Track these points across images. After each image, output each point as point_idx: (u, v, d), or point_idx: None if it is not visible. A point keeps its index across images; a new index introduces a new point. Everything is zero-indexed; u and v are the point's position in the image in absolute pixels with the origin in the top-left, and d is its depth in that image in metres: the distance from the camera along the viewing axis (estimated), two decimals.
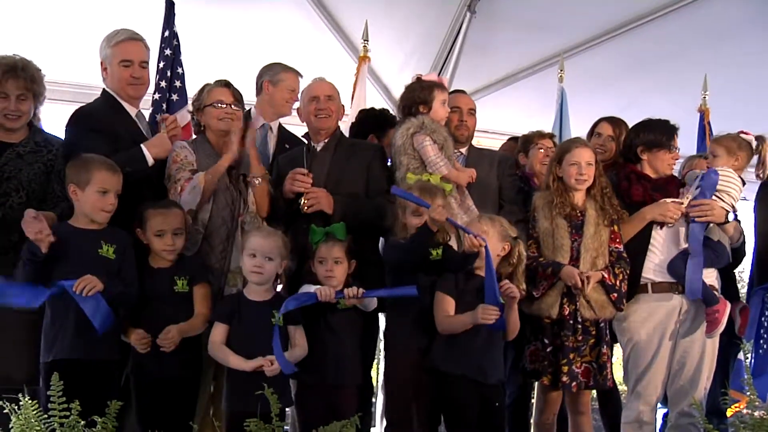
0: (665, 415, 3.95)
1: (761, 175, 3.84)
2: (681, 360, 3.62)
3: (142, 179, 3.36)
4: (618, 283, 3.54)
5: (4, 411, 2.45)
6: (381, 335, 3.65)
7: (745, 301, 3.97)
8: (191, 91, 4.22)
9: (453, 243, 3.39)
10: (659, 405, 3.75)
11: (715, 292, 3.62)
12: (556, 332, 3.54)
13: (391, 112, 4.43)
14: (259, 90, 4.21)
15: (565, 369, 3.48)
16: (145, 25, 4.11)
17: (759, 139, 3.79)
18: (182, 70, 4.76)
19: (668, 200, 3.65)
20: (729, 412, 3.84)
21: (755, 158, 3.83)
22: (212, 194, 3.43)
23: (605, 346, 3.57)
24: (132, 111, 3.59)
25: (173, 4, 4.80)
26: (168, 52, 4.73)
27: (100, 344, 2.97)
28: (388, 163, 3.80)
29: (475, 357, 3.18)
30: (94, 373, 2.97)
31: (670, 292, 3.63)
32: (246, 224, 3.48)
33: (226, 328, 3.12)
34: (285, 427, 2.78)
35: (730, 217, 3.66)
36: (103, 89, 3.60)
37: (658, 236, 3.67)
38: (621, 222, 3.64)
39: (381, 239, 3.62)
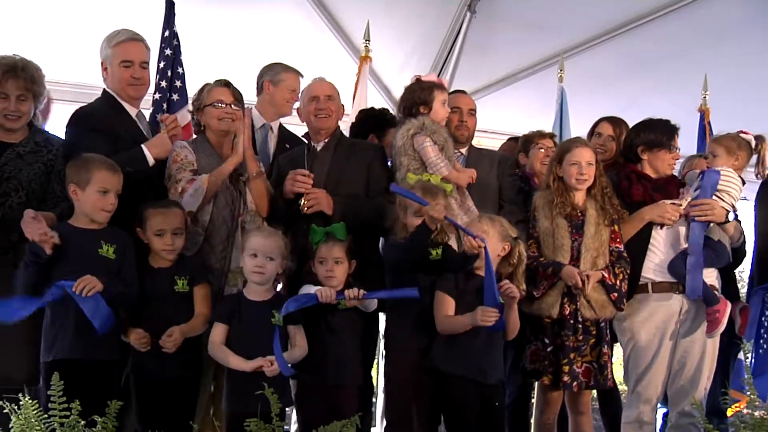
0: (665, 415, 3.95)
1: (760, 175, 3.84)
2: (681, 360, 3.62)
3: (143, 179, 3.36)
4: (618, 282, 3.54)
5: (5, 411, 2.45)
6: (381, 335, 3.64)
7: (745, 301, 3.97)
8: (191, 90, 4.22)
9: (453, 243, 3.39)
10: (659, 405, 3.75)
11: (716, 292, 3.62)
12: (557, 332, 3.54)
13: (391, 111, 4.43)
14: (260, 90, 4.21)
15: (566, 369, 3.48)
16: (146, 25, 4.12)
17: (758, 138, 3.80)
18: (182, 69, 4.76)
19: (667, 202, 3.65)
20: (729, 412, 3.84)
21: (754, 157, 3.83)
22: (213, 196, 3.43)
23: (606, 346, 3.57)
24: (132, 111, 3.59)
25: (173, 4, 4.80)
26: (168, 51, 4.73)
27: (100, 344, 2.97)
28: (389, 164, 3.80)
29: (475, 357, 3.18)
30: (94, 373, 2.96)
31: (671, 292, 3.63)
32: (246, 224, 3.48)
33: (226, 328, 3.12)
34: (285, 427, 2.78)
35: (731, 216, 3.66)
36: (104, 89, 3.60)
37: (658, 236, 3.67)
38: (621, 222, 3.64)
39: (381, 239, 3.62)
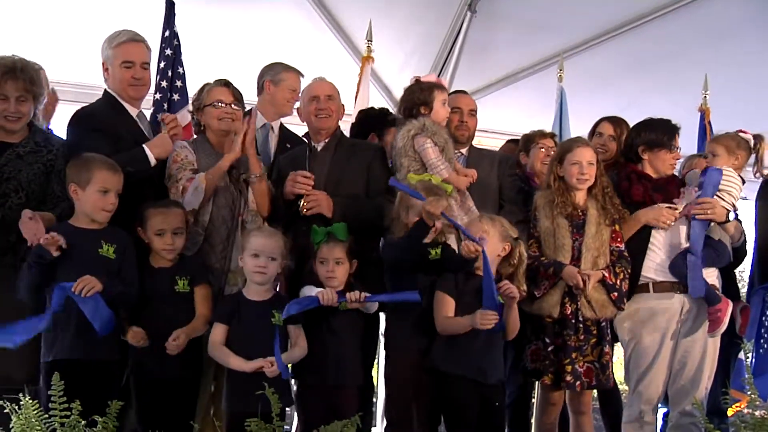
0: (665, 415, 3.95)
1: (759, 174, 3.84)
2: (682, 360, 3.62)
3: (144, 179, 3.36)
4: (619, 282, 3.54)
5: (5, 411, 2.45)
6: (381, 335, 3.64)
7: (745, 301, 3.97)
8: (192, 90, 4.22)
9: (452, 242, 3.39)
10: (660, 404, 3.75)
11: (717, 292, 3.62)
12: (558, 331, 3.54)
13: (392, 111, 4.42)
14: (261, 90, 4.21)
15: (569, 369, 3.48)
16: (146, 25, 4.12)
17: (756, 137, 3.80)
18: (183, 69, 4.77)
19: (663, 205, 3.64)
20: (730, 412, 3.84)
21: (752, 157, 3.83)
22: (213, 194, 3.43)
23: (607, 346, 3.57)
24: (133, 111, 3.59)
25: (173, 4, 4.81)
26: (168, 52, 4.74)
27: (100, 344, 2.97)
28: (389, 164, 3.80)
29: (475, 357, 3.18)
30: (94, 373, 2.97)
31: (672, 292, 3.63)
32: (247, 223, 3.48)
33: (226, 328, 3.12)
34: (285, 427, 2.78)
35: (731, 216, 3.66)
36: (105, 90, 3.60)
37: (658, 236, 3.67)
38: (622, 221, 3.64)
39: (382, 239, 3.61)
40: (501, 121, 5.96)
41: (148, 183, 3.43)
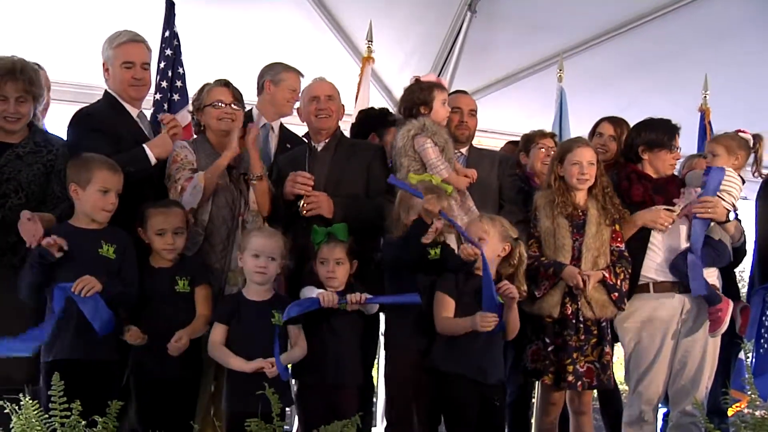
0: (665, 415, 3.95)
1: (756, 173, 3.84)
2: (682, 360, 3.62)
3: (144, 179, 3.36)
4: (619, 282, 3.54)
5: (5, 411, 2.45)
6: (381, 335, 3.64)
7: (745, 301, 3.97)
8: (192, 90, 4.22)
9: (451, 242, 3.39)
10: (660, 404, 3.75)
11: (717, 292, 3.62)
12: (558, 331, 3.54)
13: (392, 111, 4.42)
14: (261, 90, 4.21)
15: (570, 369, 3.48)
16: (146, 25, 4.12)
17: (755, 137, 3.80)
18: (183, 70, 4.77)
19: (660, 207, 3.64)
20: (730, 412, 3.85)
21: (751, 156, 3.83)
22: (212, 193, 3.43)
23: (607, 346, 3.57)
24: (134, 112, 3.60)
25: (173, 4, 4.81)
26: (169, 52, 4.74)
27: (100, 344, 2.97)
28: (389, 164, 3.80)
29: (476, 357, 3.18)
30: (94, 373, 2.97)
31: (672, 292, 3.63)
32: (248, 223, 3.48)
33: (226, 328, 3.12)
34: (285, 427, 2.78)
35: (731, 216, 3.66)
36: (105, 90, 3.60)
37: (658, 235, 3.67)
38: (623, 221, 3.64)
39: (382, 239, 3.62)
40: (501, 121, 5.96)
41: (148, 183, 3.43)
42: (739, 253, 3.90)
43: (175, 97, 4.69)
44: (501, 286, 3.17)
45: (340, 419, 2.59)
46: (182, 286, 3.22)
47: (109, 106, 3.55)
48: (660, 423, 3.99)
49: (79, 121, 3.48)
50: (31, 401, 2.45)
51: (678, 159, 3.91)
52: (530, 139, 4.26)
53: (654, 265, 3.65)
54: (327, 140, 3.76)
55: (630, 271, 3.59)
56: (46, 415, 2.45)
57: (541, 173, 4.03)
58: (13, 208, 3.15)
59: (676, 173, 3.95)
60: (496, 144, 5.23)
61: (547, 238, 3.60)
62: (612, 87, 5.94)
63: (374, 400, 4.32)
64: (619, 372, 3.98)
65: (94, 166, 3.09)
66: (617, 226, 3.62)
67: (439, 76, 4.94)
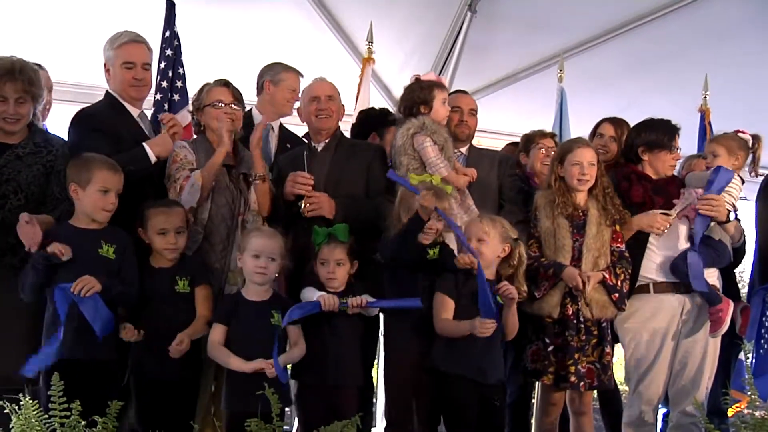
0: (665, 415, 3.95)
1: (753, 173, 3.85)
2: (683, 360, 3.62)
3: (144, 178, 3.36)
4: (619, 283, 3.54)
5: (5, 411, 2.45)
6: (381, 335, 3.64)
7: (745, 301, 3.97)
8: (192, 91, 4.22)
9: (451, 242, 3.39)
10: (660, 405, 3.75)
11: (718, 292, 3.62)
12: (558, 332, 3.54)
13: (392, 111, 4.43)
14: (260, 90, 4.22)
15: (572, 369, 3.48)
16: (146, 25, 4.12)
17: (754, 138, 3.80)
18: (183, 70, 4.77)
19: (657, 211, 3.64)
20: (730, 412, 3.86)
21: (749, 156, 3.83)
22: (211, 193, 3.43)
23: (608, 346, 3.57)
24: (134, 112, 3.60)
25: (174, 4, 4.81)
26: (169, 52, 4.74)
27: (99, 344, 2.96)
28: (389, 164, 3.80)
29: (475, 357, 3.18)
30: (94, 373, 2.96)
31: (673, 293, 3.63)
32: (248, 223, 3.48)
33: (225, 328, 3.12)
34: (285, 427, 2.78)
35: (731, 216, 3.66)
36: (106, 91, 3.60)
37: (657, 236, 3.67)
38: (623, 222, 3.64)
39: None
40: (501, 121, 5.96)
41: (148, 183, 3.43)
42: (739, 253, 3.90)
43: (176, 97, 4.69)
44: (500, 287, 3.17)
45: (340, 420, 2.59)
46: (182, 286, 3.22)
47: (110, 107, 3.55)
48: (660, 423, 4.00)
49: (80, 121, 3.48)
50: (30, 401, 2.45)
51: (678, 159, 3.91)
52: (530, 139, 4.26)
53: (654, 266, 3.65)
54: (327, 140, 3.76)
55: (630, 271, 3.59)
56: (46, 415, 2.45)
57: (541, 173, 4.03)
58: (12, 210, 3.14)
59: (675, 174, 3.95)
60: (496, 144, 5.23)
61: (547, 238, 3.60)
62: (612, 87, 5.94)
63: (374, 400, 4.32)
64: (619, 372, 3.98)
65: (94, 166, 3.09)
66: (617, 227, 3.62)
67: (439, 76, 4.94)
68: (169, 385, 3.13)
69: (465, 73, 5.58)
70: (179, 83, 4.72)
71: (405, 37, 5.67)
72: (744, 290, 4.34)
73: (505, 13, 5.53)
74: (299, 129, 4.21)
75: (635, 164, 3.80)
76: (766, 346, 3.63)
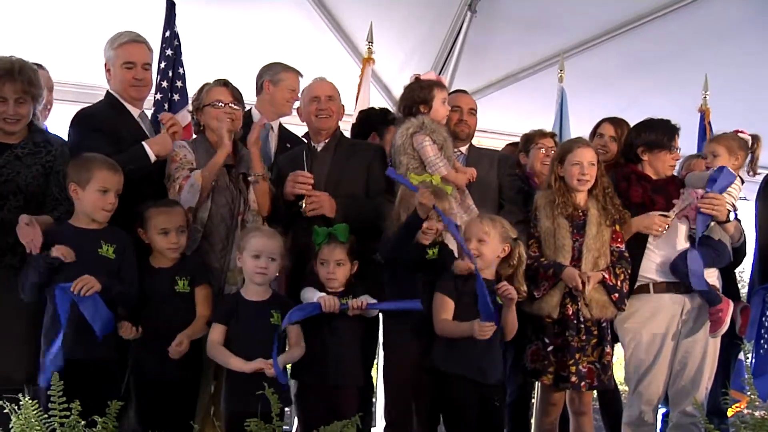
0: (665, 415, 3.95)
1: (751, 173, 3.85)
2: (683, 360, 3.62)
3: (143, 178, 3.36)
4: (619, 283, 3.54)
5: (5, 411, 2.45)
6: (381, 335, 3.64)
7: (745, 301, 3.97)
8: (192, 90, 4.23)
9: (450, 243, 3.39)
10: (660, 405, 3.75)
11: (718, 292, 3.62)
12: (558, 332, 3.54)
13: (392, 111, 4.42)
14: (260, 89, 4.22)
15: (573, 369, 3.48)
16: (146, 25, 4.12)
17: (753, 138, 3.80)
18: (183, 70, 4.77)
19: (655, 213, 3.64)
20: (730, 412, 3.85)
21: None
22: (211, 193, 3.43)
23: (608, 346, 3.57)
24: (135, 112, 3.60)
25: (174, 4, 4.81)
26: (169, 52, 4.75)
27: (99, 344, 2.96)
28: (389, 163, 3.79)
29: (475, 357, 3.18)
30: (93, 372, 2.96)
31: (673, 293, 3.62)
32: (248, 223, 3.48)
33: (225, 328, 3.12)
34: (285, 427, 2.78)
35: (731, 216, 3.66)
36: (107, 91, 3.60)
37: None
38: (623, 222, 3.64)
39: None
40: (501, 121, 5.96)
41: (147, 183, 3.43)
42: (739, 253, 3.90)
43: (176, 96, 4.69)
44: (499, 287, 3.17)
45: (340, 420, 2.59)
46: (182, 286, 3.22)
47: (110, 107, 3.55)
48: (660, 423, 4.00)
49: (80, 121, 3.48)
50: (30, 401, 2.45)
51: (677, 159, 3.91)
52: (530, 139, 4.26)
53: (654, 266, 3.65)
54: (327, 140, 3.76)
55: (630, 271, 3.59)
56: (46, 415, 2.45)
57: (541, 173, 4.03)
58: (11, 210, 3.14)
59: (675, 174, 3.95)
60: (496, 144, 5.23)
61: (547, 238, 3.59)
62: (612, 87, 5.94)
63: (373, 400, 4.32)
64: (618, 372, 3.98)
65: (94, 166, 3.09)
66: (617, 227, 3.62)
67: (439, 75, 4.94)
68: (169, 385, 3.13)
69: (465, 73, 5.58)
70: (179, 83, 4.72)
71: (405, 37, 5.67)
72: (744, 290, 4.34)
73: (505, 13, 5.52)
74: (298, 129, 4.21)
75: (635, 164, 3.80)
76: (765, 346, 3.63)
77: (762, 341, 3.65)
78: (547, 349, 3.55)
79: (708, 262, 3.60)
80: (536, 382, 3.91)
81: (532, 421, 4.23)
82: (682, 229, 3.65)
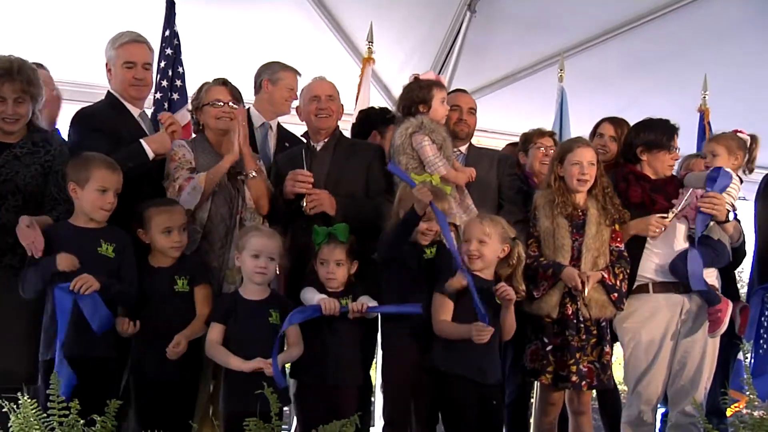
0: (664, 415, 3.95)
1: (747, 172, 3.85)
2: (682, 360, 3.62)
3: (143, 176, 3.36)
4: (618, 282, 3.54)
5: (4, 410, 2.45)
6: (380, 335, 3.64)
7: (745, 301, 3.97)
8: (192, 90, 4.23)
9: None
10: (659, 404, 3.75)
11: (717, 292, 3.62)
12: (557, 331, 3.54)
13: (392, 111, 4.42)
14: (258, 89, 4.22)
15: (574, 369, 3.48)
16: (146, 24, 4.13)
17: (752, 138, 3.80)
18: (183, 69, 4.77)
19: (653, 216, 3.63)
20: (729, 412, 3.85)
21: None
22: (211, 193, 3.43)
23: (607, 346, 3.57)
24: (135, 111, 3.60)
25: (174, 3, 4.81)
26: (169, 51, 4.75)
27: (97, 342, 2.97)
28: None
29: (475, 357, 3.17)
30: (92, 371, 2.96)
31: (672, 292, 3.62)
32: (246, 221, 3.48)
33: (223, 327, 3.12)
34: (284, 427, 2.78)
35: (731, 216, 3.66)
36: (108, 90, 3.61)
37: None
38: (623, 222, 3.64)
39: None
40: (501, 121, 5.96)
41: (146, 182, 3.43)
42: (739, 253, 3.90)
43: (175, 96, 4.69)
44: (498, 288, 3.16)
45: (339, 419, 2.59)
46: (181, 285, 3.22)
47: (110, 106, 3.55)
48: (659, 423, 4.00)
49: (80, 120, 3.48)
50: (29, 400, 2.45)
51: (677, 159, 3.91)
52: (529, 139, 4.26)
53: (653, 266, 3.65)
54: (326, 140, 3.76)
55: (629, 271, 3.59)
56: (45, 414, 2.45)
57: (540, 173, 4.03)
58: (10, 210, 3.13)
59: (674, 173, 3.95)
60: (496, 144, 5.23)
61: (546, 238, 3.60)
62: (612, 87, 5.94)
63: (372, 399, 4.32)
64: (618, 372, 3.97)
65: (93, 166, 3.09)
66: (617, 226, 3.62)
67: (438, 75, 4.94)
68: (168, 384, 3.13)
69: (464, 72, 5.57)
70: (179, 82, 4.72)
71: (405, 37, 5.66)
72: (743, 290, 4.34)
73: (504, 13, 5.52)
74: (297, 128, 4.21)
75: (634, 164, 3.80)
76: (765, 346, 3.63)
77: (761, 341, 3.64)
78: (547, 349, 3.55)
79: (707, 262, 3.60)
80: (535, 382, 3.90)
81: (531, 420, 4.22)
82: (682, 229, 3.65)
